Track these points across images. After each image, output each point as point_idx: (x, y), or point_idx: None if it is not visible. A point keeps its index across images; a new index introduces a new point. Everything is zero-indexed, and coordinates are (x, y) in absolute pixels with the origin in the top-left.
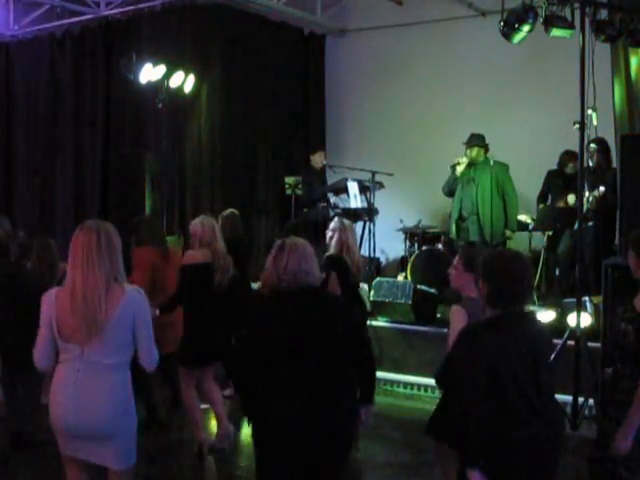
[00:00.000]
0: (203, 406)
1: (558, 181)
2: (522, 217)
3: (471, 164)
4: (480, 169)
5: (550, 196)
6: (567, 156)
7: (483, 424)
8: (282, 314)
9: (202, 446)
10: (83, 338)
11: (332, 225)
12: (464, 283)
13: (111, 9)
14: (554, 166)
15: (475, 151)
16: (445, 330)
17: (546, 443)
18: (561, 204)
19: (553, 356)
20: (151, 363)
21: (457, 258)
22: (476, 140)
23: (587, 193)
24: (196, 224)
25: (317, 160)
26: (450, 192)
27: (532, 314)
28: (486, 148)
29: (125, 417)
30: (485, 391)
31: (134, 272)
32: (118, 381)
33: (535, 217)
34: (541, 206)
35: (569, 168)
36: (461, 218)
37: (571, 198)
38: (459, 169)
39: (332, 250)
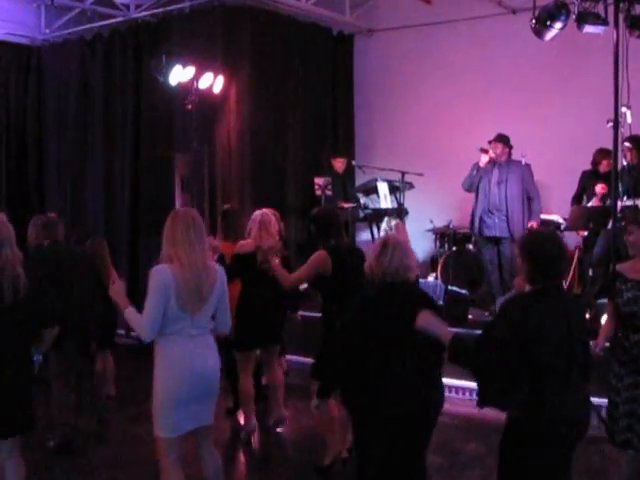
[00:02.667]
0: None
1: (592, 181)
2: (553, 217)
3: (494, 161)
4: (507, 168)
5: (585, 197)
6: (600, 154)
7: (518, 387)
8: (389, 305)
9: (250, 434)
10: (194, 308)
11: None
12: None
13: (141, 11)
14: (586, 165)
15: (499, 148)
16: (477, 332)
17: (576, 411)
18: (595, 204)
19: None
20: (229, 327)
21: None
22: (502, 139)
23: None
24: (254, 216)
25: (336, 166)
26: (471, 186)
27: (567, 292)
28: (510, 149)
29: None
30: (524, 356)
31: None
32: (213, 342)
33: (567, 217)
34: (574, 206)
35: (602, 166)
36: (488, 213)
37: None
38: (483, 159)
39: None
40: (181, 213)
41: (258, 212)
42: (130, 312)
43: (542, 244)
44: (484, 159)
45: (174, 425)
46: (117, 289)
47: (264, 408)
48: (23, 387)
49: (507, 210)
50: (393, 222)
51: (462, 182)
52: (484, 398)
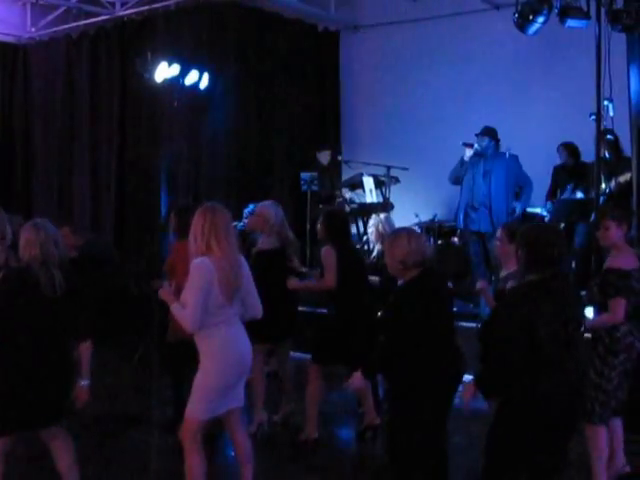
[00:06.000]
0: None
1: (563, 175)
2: (537, 210)
3: (480, 155)
4: (493, 161)
5: (559, 191)
6: (562, 147)
7: (516, 374)
8: (436, 286)
9: (262, 425)
10: (234, 296)
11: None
12: (508, 253)
13: (126, 9)
14: None
15: (486, 141)
16: (461, 324)
17: (569, 396)
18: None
19: None
20: (260, 310)
21: (500, 231)
22: (488, 132)
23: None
24: (269, 209)
25: (321, 158)
26: (457, 180)
27: (564, 275)
28: (497, 142)
29: None
30: (521, 346)
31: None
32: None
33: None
34: (557, 199)
35: (569, 160)
36: (472, 208)
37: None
38: (467, 152)
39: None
40: (210, 207)
41: (270, 204)
42: (176, 307)
43: (540, 233)
44: (468, 153)
45: (211, 409)
46: (166, 291)
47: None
48: (56, 379)
49: (491, 205)
50: (382, 215)
51: (448, 176)
52: (490, 388)
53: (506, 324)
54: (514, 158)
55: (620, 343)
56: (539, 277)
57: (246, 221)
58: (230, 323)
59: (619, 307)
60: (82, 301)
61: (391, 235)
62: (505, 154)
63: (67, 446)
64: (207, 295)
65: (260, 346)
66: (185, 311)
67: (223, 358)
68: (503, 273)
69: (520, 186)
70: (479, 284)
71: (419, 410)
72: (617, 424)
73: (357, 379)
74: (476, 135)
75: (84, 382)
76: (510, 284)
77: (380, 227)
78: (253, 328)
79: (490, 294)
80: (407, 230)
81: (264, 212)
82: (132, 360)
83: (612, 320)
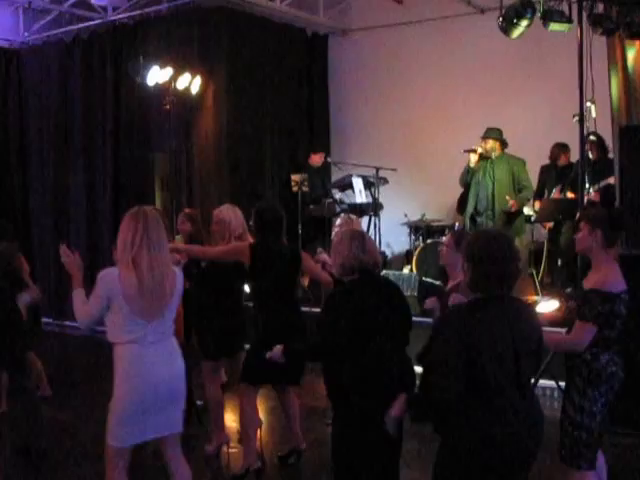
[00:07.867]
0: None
1: (551, 174)
2: (525, 209)
3: (486, 157)
4: (497, 164)
5: (546, 190)
6: (558, 148)
7: (450, 405)
8: (372, 291)
9: (222, 446)
10: (151, 314)
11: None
12: (454, 262)
13: (118, 14)
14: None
15: (490, 144)
16: None
17: (521, 442)
18: (555, 197)
19: None
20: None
21: (448, 236)
22: (492, 133)
23: (587, 185)
24: (228, 213)
25: (315, 160)
26: (466, 184)
27: (517, 299)
28: (502, 143)
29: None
30: (457, 374)
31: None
32: (177, 347)
33: (537, 209)
34: (544, 198)
35: (561, 160)
36: (476, 212)
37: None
38: (472, 158)
39: None
40: (140, 213)
41: (228, 207)
42: (78, 293)
43: (488, 245)
44: (473, 158)
45: (127, 435)
46: (74, 262)
47: None
48: None
49: (494, 210)
50: (353, 216)
51: (459, 179)
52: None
53: (441, 347)
54: (521, 162)
55: (602, 375)
56: (484, 296)
57: (182, 226)
58: (146, 343)
59: (586, 332)
60: None
61: (337, 237)
62: (513, 157)
63: None
64: (103, 307)
65: (209, 363)
66: (82, 310)
67: (131, 384)
68: (449, 284)
69: (519, 189)
70: (427, 303)
71: (352, 421)
72: (601, 463)
73: (276, 352)
74: (481, 138)
75: None
76: (454, 298)
77: (345, 228)
78: (202, 344)
79: (438, 313)
80: (352, 233)
81: (223, 217)
82: None
83: (574, 343)
